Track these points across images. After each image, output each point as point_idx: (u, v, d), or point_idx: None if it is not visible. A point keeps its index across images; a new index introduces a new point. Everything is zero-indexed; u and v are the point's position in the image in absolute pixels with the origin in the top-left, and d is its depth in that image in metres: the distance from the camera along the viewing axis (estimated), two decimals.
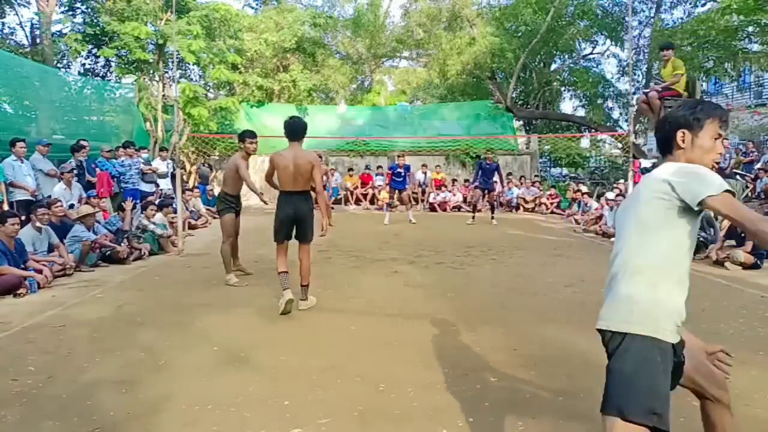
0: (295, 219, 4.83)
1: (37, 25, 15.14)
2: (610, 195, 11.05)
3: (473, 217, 12.07)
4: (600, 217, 10.80)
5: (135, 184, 10.44)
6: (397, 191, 12.66)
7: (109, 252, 7.26)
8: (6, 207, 7.48)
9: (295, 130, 4.86)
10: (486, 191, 12.41)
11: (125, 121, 13.79)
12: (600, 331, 2.02)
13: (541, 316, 4.74)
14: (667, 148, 1.95)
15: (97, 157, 10.08)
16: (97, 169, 9.68)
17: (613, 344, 1.89)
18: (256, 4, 22.13)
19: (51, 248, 6.61)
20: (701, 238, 7.58)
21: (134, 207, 8.50)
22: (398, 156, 13.00)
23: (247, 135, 6.30)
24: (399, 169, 12.39)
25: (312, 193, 4.99)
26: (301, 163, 4.76)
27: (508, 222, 12.70)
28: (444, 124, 19.34)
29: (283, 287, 4.82)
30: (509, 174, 17.02)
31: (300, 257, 4.92)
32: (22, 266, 5.80)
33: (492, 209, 12.54)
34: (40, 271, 5.89)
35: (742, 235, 6.94)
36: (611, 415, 1.79)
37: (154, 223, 8.22)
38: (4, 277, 5.47)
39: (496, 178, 12.48)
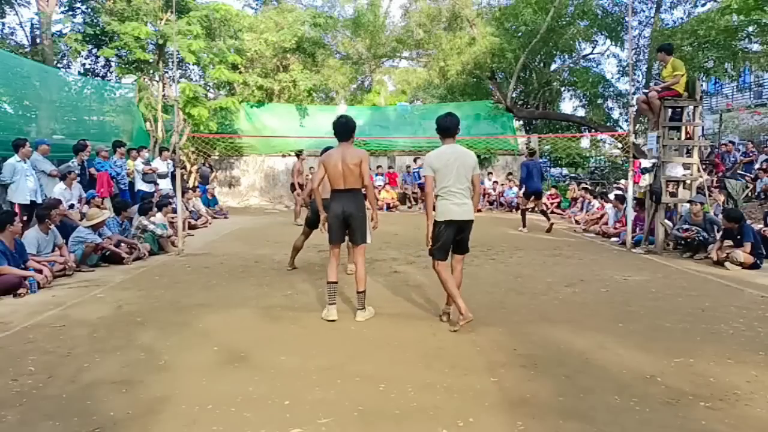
0: (343, 218, 4.66)
1: (37, 25, 15.12)
2: (611, 195, 11.06)
3: (524, 225, 10.83)
4: (602, 216, 10.80)
5: (125, 185, 10.46)
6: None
7: (109, 252, 7.26)
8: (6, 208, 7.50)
9: (343, 129, 4.75)
10: (535, 194, 11.18)
11: (125, 121, 13.79)
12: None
13: (541, 316, 4.74)
14: None
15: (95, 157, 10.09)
16: (92, 169, 9.68)
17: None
18: (256, 4, 22.10)
19: (54, 249, 6.62)
20: (701, 238, 7.58)
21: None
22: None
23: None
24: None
25: (362, 192, 4.79)
26: (350, 160, 4.63)
27: (508, 222, 12.70)
28: None
29: (329, 300, 4.64)
30: (509, 174, 17.03)
31: (354, 260, 4.77)
32: (22, 266, 5.80)
33: (546, 215, 11.15)
34: (40, 271, 5.89)
35: (739, 237, 6.95)
36: None
37: (153, 223, 8.22)
38: (4, 277, 5.47)
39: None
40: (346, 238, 4.86)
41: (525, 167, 11.36)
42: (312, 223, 6.51)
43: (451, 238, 4.36)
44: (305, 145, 16.56)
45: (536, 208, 11.83)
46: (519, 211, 12.10)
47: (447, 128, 4.43)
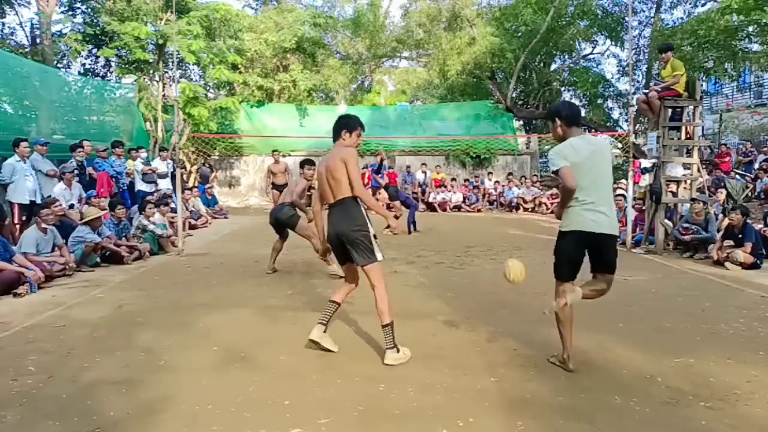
0: (338, 240, 3.72)
1: (37, 25, 15.11)
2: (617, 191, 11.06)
3: None
4: None
5: (124, 185, 10.45)
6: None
7: (109, 252, 7.26)
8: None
9: (334, 126, 3.95)
10: None
11: (125, 121, 13.79)
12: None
13: (541, 316, 4.73)
14: None
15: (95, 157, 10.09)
16: (90, 169, 9.66)
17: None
18: (256, 4, 22.11)
19: (54, 249, 6.61)
20: (702, 238, 7.59)
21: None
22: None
23: (307, 162, 6.73)
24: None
25: (356, 201, 3.74)
26: (331, 164, 3.72)
27: (508, 222, 12.70)
28: (444, 124, 19.34)
29: (319, 319, 3.84)
30: (509, 174, 17.03)
31: (370, 285, 3.72)
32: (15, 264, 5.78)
33: None
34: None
35: (741, 236, 6.94)
36: None
37: (153, 223, 8.22)
38: (2, 273, 5.46)
39: None
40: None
41: None
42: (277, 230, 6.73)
43: (582, 256, 3.48)
44: (305, 145, 16.56)
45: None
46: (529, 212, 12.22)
47: (576, 114, 3.53)
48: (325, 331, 3.81)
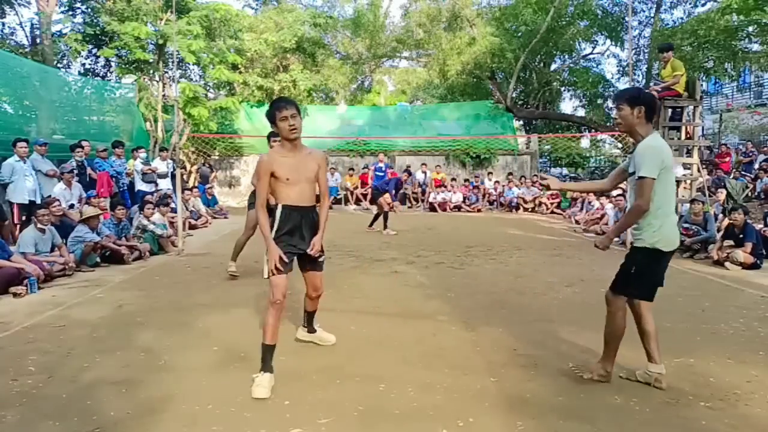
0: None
1: (37, 25, 15.13)
2: (614, 192, 11.04)
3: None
4: (602, 216, 10.79)
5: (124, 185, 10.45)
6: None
7: (109, 252, 7.26)
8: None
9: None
10: None
11: (125, 121, 13.80)
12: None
13: (541, 316, 4.74)
14: None
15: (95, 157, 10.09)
16: (89, 169, 9.67)
17: None
18: (256, 4, 22.12)
19: (53, 249, 6.62)
20: (702, 238, 7.59)
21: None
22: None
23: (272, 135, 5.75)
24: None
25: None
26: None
27: (508, 222, 12.70)
28: (444, 124, 19.35)
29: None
30: (509, 174, 17.03)
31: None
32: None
33: None
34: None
35: (741, 236, 6.94)
36: None
37: (153, 223, 8.22)
38: (2, 270, 5.46)
39: None
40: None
41: None
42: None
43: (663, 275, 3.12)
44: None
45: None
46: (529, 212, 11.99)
47: (655, 107, 3.13)
48: (310, 332, 4.02)
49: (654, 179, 2.89)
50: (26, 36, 16.72)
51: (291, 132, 3.28)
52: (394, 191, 11.02)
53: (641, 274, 3.08)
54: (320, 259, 3.64)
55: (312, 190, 3.45)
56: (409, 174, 12.42)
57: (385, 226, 10.19)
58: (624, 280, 3.13)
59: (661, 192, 2.96)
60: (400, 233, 10.16)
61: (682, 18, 18.24)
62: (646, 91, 3.32)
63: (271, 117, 3.33)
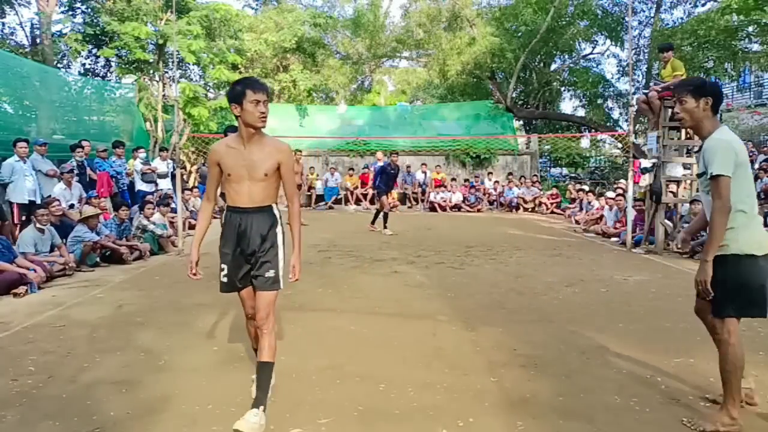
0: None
1: (37, 25, 15.13)
2: (610, 194, 11.06)
3: None
4: (601, 217, 10.80)
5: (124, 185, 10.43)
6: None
7: (109, 252, 7.26)
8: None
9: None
10: None
11: (125, 121, 13.80)
12: None
13: (541, 316, 4.74)
14: None
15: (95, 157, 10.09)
16: (89, 170, 9.66)
17: None
18: (256, 4, 22.14)
19: (53, 249, 6.62)
20: (701, 236, 7.58)
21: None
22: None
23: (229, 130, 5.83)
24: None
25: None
26: None
27: (508, 222, 12.70)
28: (444, 124, 19.36)
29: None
30: (509, 174, 17.03)
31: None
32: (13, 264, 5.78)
33: None
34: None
35: None
36: None
37: (153, 223, 8.22)
38: (3, 274, 5.46)
39: None
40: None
41: None
42: None
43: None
44: (305, 145, 16.56)
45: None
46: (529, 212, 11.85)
47: (721, 97, 2.84)
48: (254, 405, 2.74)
49: (729, 177, 2.57)
50: (26, 36, 16.72)
51: (261, 119, 2.72)
52: (384, 179, 10.65)
53: (739, 286, 2.66)
54: (266, 274, 2.82)
55: (265, 190, 2.81)
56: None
57: (385, 226, 10.20)
58: (723, 299, 2.69)
59: (738, 190, 2.62)
60: (400, 233, 10.16)
61: (682, 18, 18.26)
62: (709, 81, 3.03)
63: (237, 96, 2.70)
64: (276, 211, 2.90)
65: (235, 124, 2.85)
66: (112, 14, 13.81)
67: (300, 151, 13.04)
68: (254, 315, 2.89)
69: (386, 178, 10.57)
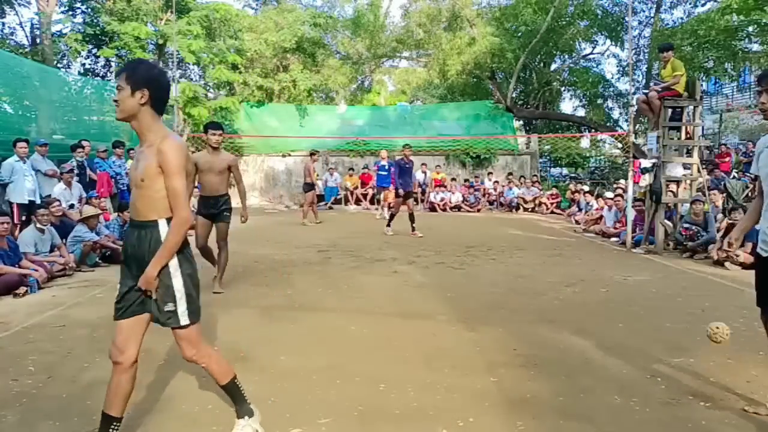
0: None
1: (37, 25, 15.15)
2: (609, 194, 11.06)
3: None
4: (600, 217, 10.80)
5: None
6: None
7: (109, 252, 7.26)
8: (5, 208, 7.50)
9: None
10: None
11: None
12: None
13: (541, 316, 4.74)
14: None
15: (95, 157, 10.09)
16: (88, 170, 9.65)
17: None
18: (256, 4, 22.15)
19: (53, 249, 6.62)
20: (701, 236, 7.58)
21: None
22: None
23: (210, 126, 5.63)
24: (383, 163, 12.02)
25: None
26: None
27: (508, 222, 12.70)
28: (444, 124, 19.35)
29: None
30: (509, 174, 17.03)
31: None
32: (17, 266, 5.79)
33: None
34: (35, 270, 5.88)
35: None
36: None
37: None
38: (4, 276, 5.47)
39: None
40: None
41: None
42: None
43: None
44: (305, 145, 16.57)
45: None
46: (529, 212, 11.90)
47: None
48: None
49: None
50: (26, 36, 16.74)
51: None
52: (401, 176, 10.43)
53: None
54: (166, 307, 2.54)
55: (147, 200, 2.36)
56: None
57: (389, 224, 10.21)
58: None
59: None
60: (400, 233, 10.16)
61: (682, 18, 18.27)
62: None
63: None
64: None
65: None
66: (112, 14, 13.83)
67: (317, 151, 12.98)
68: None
69: (403, 174, 10.32)
